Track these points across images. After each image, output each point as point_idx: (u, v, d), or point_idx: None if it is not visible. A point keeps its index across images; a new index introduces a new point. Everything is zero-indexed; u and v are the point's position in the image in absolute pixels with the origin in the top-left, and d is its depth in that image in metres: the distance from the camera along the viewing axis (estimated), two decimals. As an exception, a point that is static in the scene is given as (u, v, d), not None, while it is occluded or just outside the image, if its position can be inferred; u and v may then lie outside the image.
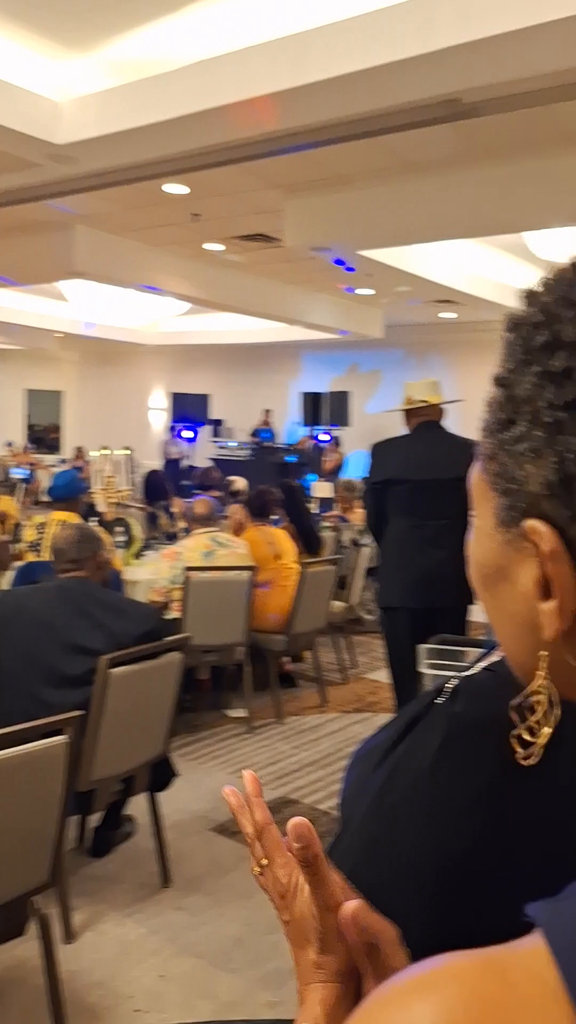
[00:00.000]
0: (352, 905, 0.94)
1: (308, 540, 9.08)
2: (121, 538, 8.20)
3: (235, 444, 22.70)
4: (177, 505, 10.40)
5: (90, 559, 4.87)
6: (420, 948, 0.82)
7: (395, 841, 1.09)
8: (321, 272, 14.33)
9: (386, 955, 0.93)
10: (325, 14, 6.48)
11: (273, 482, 9.51)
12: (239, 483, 11.41)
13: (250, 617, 7.52)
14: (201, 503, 7.75)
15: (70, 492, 7.63)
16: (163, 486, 10.52)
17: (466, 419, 7.84)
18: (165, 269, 13.80)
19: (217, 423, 24.16)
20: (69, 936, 4.46)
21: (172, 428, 24.47)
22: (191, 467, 20.93)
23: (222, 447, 22.77)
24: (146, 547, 8.80)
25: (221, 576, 7.42)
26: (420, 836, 1.08)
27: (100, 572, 4.95)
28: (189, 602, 7.29)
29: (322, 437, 21.91)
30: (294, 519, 9.07)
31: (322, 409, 21.85)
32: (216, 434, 23.93)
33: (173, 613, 7.31)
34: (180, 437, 24.10)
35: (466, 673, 1.17)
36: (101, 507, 9.70)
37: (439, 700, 1.12)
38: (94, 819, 5.48)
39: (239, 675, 7.84)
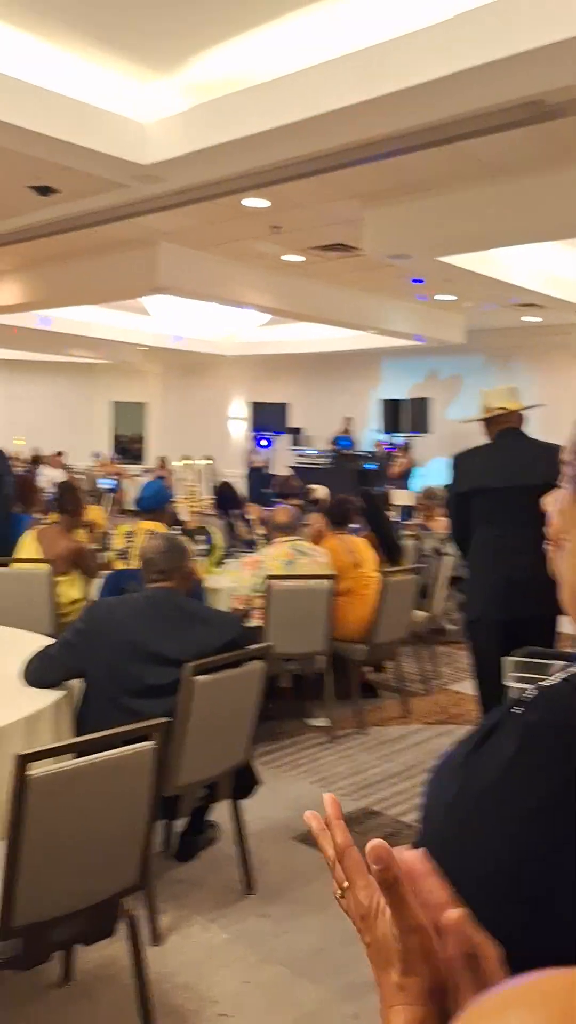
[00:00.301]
0: (456, 912, 0.92)
1: (389, 549, 9.06)
2: (203, 547, 8.26)
3: (314, 452, 22.76)
4: (254, 511, 10.47)
5: (177, 570, 4.89)
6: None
7: (466, 849, 1.07)
8: (400, 279, 14.33)
9: (486, 970, 0.91)
10: (403, 24, 6.49)
11: (352, 490, 9.54)
12: (319, 491, 11.45)
13: (331, 626, 7.51)
14: (282, 511, 7.77)
15: (157, 502, 7.74)
16: (234, 496, 10.60)
17: (551, 423, 7.76)
18: (245, 282, 13.92)
19: (296, 431, 24.27)
20: (156, 938, 4.52)
21: (254, 437, 24.62)
22: (271, 475, 21.08)
23: (301, 455, 22.84)
24: (227, 555, 8.84)
25: (302, 585, 7.40)
26: (490, 843, 1.06)
27: (186, 582, 4.99)
28: (271, 610, 7.28)
29: (395, 443, 21.86)
30: (375, 527, 9.08)
31: (401, 416, 21.79)
32: (295, 443, 24.08)
33: (254, 621, 7.32)
34: (260, 446, 24.22)
35: (545, 683, 1.17)
36: (183, 516, 9.79)
37: (516, 710, 1.12)
38: (179, 824, 5.53)
39: (320, 684, 7.83)
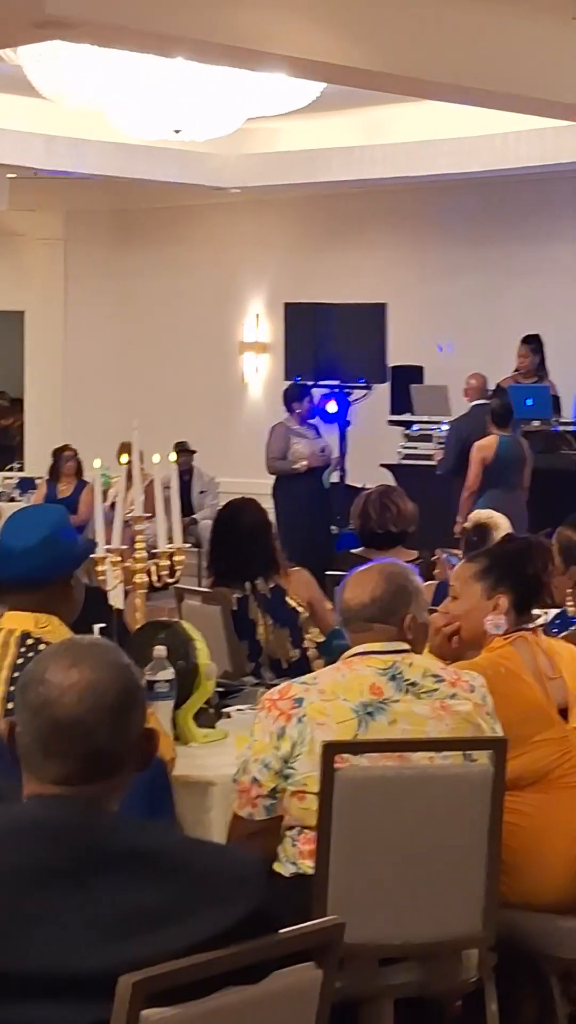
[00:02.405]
0: None
1: None
2: (165, 675, 3.70)
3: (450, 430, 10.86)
4: (297, 586, 5.49)
5: (114, 746, 2.03)
6: None
7: None
8: None
9: None
10: None
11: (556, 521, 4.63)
12: (492, 523, 6.08)
13: (494, 875, 3.23)
14: (366, 580, 3.35)
15: (54, 565, 3.55)
16: (252, 540, 5.62)
17: None
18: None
19: (405, 376, 11.88)
20: None
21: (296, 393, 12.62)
22: (344, 487, 11.28)
23: (418, 436, 11.44)
24: (229, 693, 4.29)
25: (413, 769, 3.26)
26: None
27: (129, 775, 2.08)
28: (337, 834, 3.14)
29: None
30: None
31: None
32: (400, 406, 11.79)
33: (299, 863, 3.24)
34: (309, 417, 12.27)
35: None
36: (115, 596, 4.97)
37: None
38: None
39: (473, 1019, 3.47)
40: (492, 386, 10.52)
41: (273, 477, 10.81)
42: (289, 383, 11.14)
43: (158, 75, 7.87)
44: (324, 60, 6.99)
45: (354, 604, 3.37)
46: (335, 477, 11.10)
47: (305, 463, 10.52)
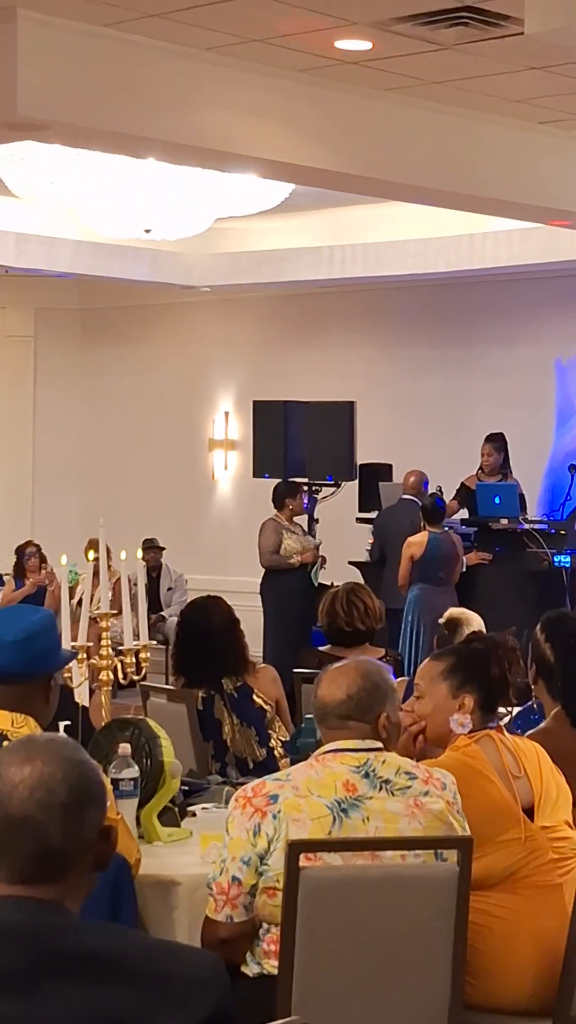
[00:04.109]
0: None
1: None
2: (129, 774, 3.63)
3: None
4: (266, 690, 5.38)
5: (72, 843, 1.94)
6: None
7: None
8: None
9: None
10: None
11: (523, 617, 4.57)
12: (463, 620, 5.94)
13: (460, 976, 3.15)
14: (337, 677, 3.34)
15: (26, 663, 3.50)
16: (222, 638, 5.58)
17: None
18: (238, 102, 6.86)
19: (371, 475, 11.83)
20: None
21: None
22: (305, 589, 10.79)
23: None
24: (193, 792, 4.21)
25: (379, 869, 3.16)
26: None
27: (89, 876, 1.98)
28: (303, 933, 3.08)
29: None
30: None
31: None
32: (368, 502, 11.78)
33: (262, 963, 3.19)
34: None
35: None
36: (78, 694, 4.92)
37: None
38: None
39: None
40: (431, 485, 10.64)
41: (244, 576, 10.76)
42: (280, 480, 10.99)
43: (129, 175, 7.92)
44: (292, 162, 7.02)
45: (330, 701, 3.30)
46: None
47: (299, 558, 10.47)
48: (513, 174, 7.79)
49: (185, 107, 6.60)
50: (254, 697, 5.10)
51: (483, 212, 8.95)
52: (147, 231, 8.92)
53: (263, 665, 5.31)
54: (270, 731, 5.08)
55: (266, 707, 5.08)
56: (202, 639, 5.18)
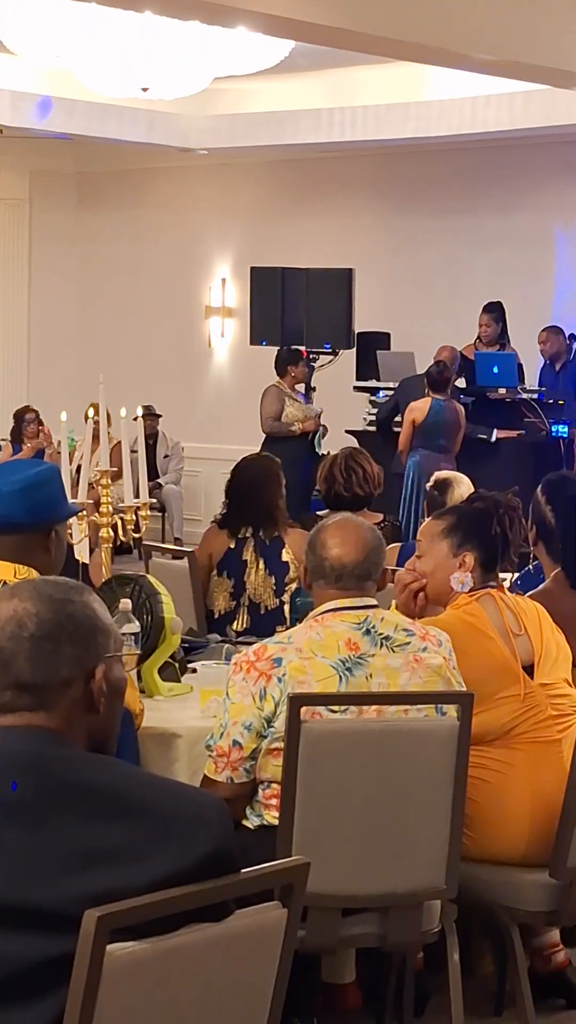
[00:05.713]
0: None
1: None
2: (131, 629, 3.66)
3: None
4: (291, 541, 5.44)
5: (65, 684, 2.01)
6: None
7: None
8: None
9: None
10: None
11: (522, 480, 4.56)
12: (454, 484, 5.95)
13: (458, 829, 3.23)
14: (340, 531, 3.33)
15: (30, 513, 3.47)
16: (249, 491, 5.60)
17: None
18: None
19: (370, 343, 11.79)
20: None
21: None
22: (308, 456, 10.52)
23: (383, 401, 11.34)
24: (193, 649, 4.26)
25: (380, 723, 3.23)
26: None
27: (96, 715, 2.05)
28: (303, 787, 3.13)
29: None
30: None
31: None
32: (367, 371, 11.74)
33: (264, 815, 3.27)
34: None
35: None
36: (81, 550, 4.95)
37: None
38: None
39: (431, 974, 3.47)
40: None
41: (240, 444, 10.63)
42: (280, 347, 10.84)
43: (126, 31, 7.73)
44: (293, 17, 6.87)
45: (349, 561, 3.26)
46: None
47: (300, 425, 10.41)
48: (515, 34, 7.53)
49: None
50: (284, 551, 5.23)
51: (484, 72, 8.71)
52: (144, 89, 8.68)
53: (297, 528, 5.40)
54: (287, 588, 5.25)
55: (292, 564, 5.20)
56: (246, 488, 5.36)
